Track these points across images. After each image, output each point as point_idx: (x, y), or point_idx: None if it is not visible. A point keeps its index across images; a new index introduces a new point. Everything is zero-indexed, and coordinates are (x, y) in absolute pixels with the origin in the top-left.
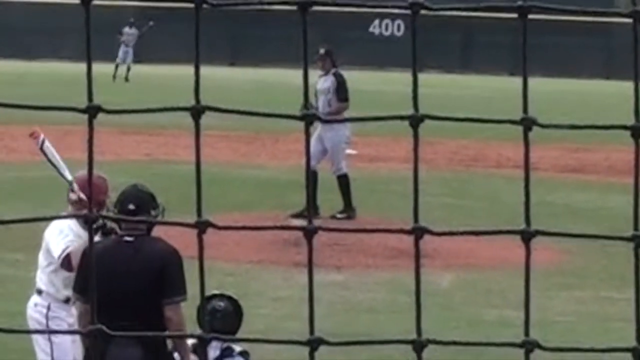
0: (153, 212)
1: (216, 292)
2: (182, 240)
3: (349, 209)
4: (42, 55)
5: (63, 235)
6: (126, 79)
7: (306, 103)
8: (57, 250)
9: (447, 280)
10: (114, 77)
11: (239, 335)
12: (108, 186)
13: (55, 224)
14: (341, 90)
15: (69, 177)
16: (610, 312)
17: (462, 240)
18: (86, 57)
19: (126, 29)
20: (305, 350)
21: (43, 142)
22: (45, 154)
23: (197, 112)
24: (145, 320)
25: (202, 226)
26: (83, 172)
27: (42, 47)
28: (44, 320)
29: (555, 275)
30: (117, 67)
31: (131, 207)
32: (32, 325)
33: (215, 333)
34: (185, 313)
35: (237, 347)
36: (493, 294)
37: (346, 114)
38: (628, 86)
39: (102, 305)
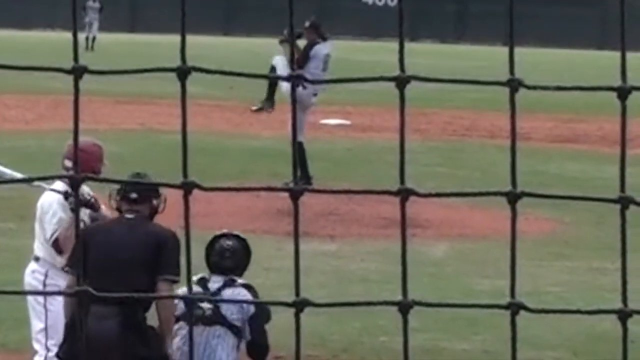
0: (155, 202)
1: (225, 231)
2: (178, 211)
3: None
4: (37, 25)
5: (52, 213)
6: (92, 48)
7: (292, 66)
8: (48, 231)
9: (440, 251)
10: (87, 48)
11: (246, 272)
12: (103, 154)
13: (47, 198)
14: (301, 54)
15: (19, 175)
16: (602, 282)
17: (455, 210)
18: (72, 21)
19: (90, 3)
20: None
21: None
22: None
23: (182, 72)
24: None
25: (187, 187)
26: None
27: (37, 17)
28: (40, 287)
29: (547, 245)
30: (87, 39)
31: (133, 195)
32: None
33: (225, 271)
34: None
35: (240, 280)
36: (486, 264)
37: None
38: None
39: (94, 278)
